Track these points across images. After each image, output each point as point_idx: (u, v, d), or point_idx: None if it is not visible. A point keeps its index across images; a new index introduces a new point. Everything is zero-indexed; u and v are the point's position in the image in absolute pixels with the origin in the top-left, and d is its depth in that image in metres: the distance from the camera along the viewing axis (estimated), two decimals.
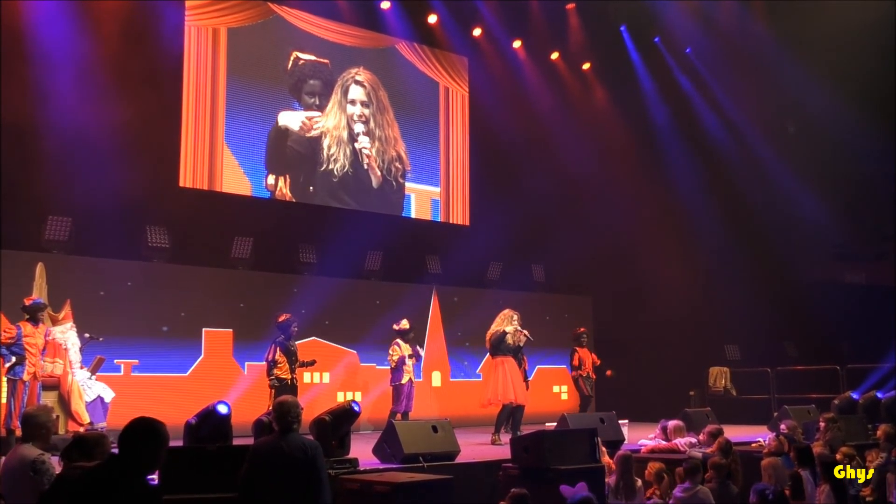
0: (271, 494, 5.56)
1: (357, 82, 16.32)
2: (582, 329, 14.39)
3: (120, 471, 4.20)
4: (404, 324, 12.59)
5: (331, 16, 15.96)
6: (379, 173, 16.29)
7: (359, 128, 16.16)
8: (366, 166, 16.13)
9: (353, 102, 16.24)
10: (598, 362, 14.22)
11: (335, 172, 15.85)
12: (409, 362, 12.37)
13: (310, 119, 15.59)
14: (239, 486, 5.66)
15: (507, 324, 11.78)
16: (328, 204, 15.73)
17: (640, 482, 7.87)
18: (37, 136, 12.13)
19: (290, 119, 15.35)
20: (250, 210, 14.60)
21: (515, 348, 11.76)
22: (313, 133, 15.62)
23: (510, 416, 11.56)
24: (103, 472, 4.28)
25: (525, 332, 11.77)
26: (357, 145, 16.07)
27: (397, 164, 16.66)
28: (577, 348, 14.05)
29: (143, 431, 4.36)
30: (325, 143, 15.76)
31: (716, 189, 17.89)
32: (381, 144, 16.42)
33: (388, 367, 12.60)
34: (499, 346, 11.71)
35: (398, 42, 16.94)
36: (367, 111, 16.35)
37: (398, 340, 12.47)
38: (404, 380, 12.32)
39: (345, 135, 16.02)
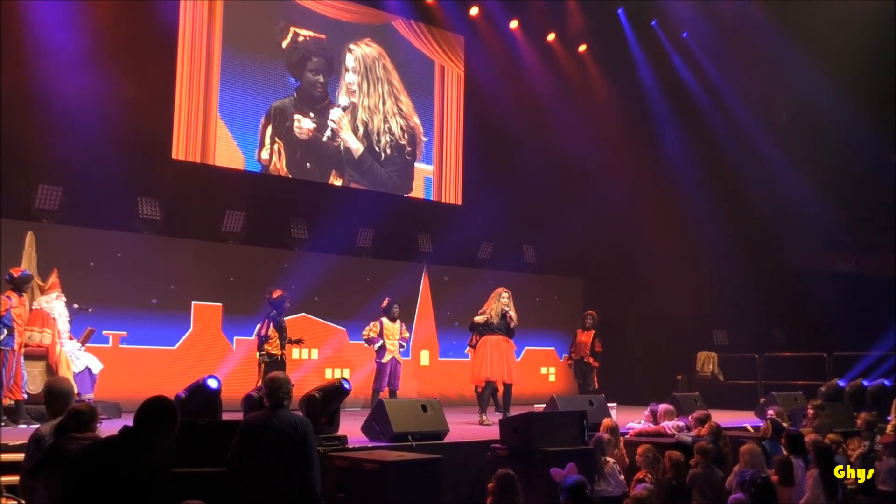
0: (261, 469, 5.56)
1: (350, 50, 16.26)
2: (588, 311, 14.40)
3: (138, 446, 4.28)
4: (385, 303, 12.61)
5: None
6: (358, 143, 16.17)
7: (343, 100, 16.09)
8: (329, 135, 15.89)
9: (346, 70, 16.20)
10: (599, 349, 14.16)
11: (340, 147, 15.91)
12: (387, 343, 12.31)
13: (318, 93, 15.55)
14: (229, 460, 5.66)
15: (494, 303, 11.78)
16: (327, 180, 15.70)
17: (611, 462, 7.91)
18: (29, 105, 12.03)
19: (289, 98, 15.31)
20: (242, 184, 14.53)
21: (505, 326, 11.68)
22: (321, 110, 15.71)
23: (493, 394, 11.57)
24: (122, 446, 4.29)
25: (509, 314, 11.61)
26: (333, 112, 15.94)
27: (387, 137, 16.60)
28: (578, 331, 14.23)
29: (168, 412, 4.48)
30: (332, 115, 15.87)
31: (709, 175, 17.89)
32: (368, 114, 16.36)
33: (373, 345, 12.56)
34: (483, 326, 11.69)
35: (395, 19, 16.83)
36: (356, 79, 16.28)
37: (382, 319, 12.45)
38: (386, 359, 12.31)
39: (345, 103, 16.10)
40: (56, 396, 5.71)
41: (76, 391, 10.09)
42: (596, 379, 14.11)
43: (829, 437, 8.39)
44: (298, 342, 11.68)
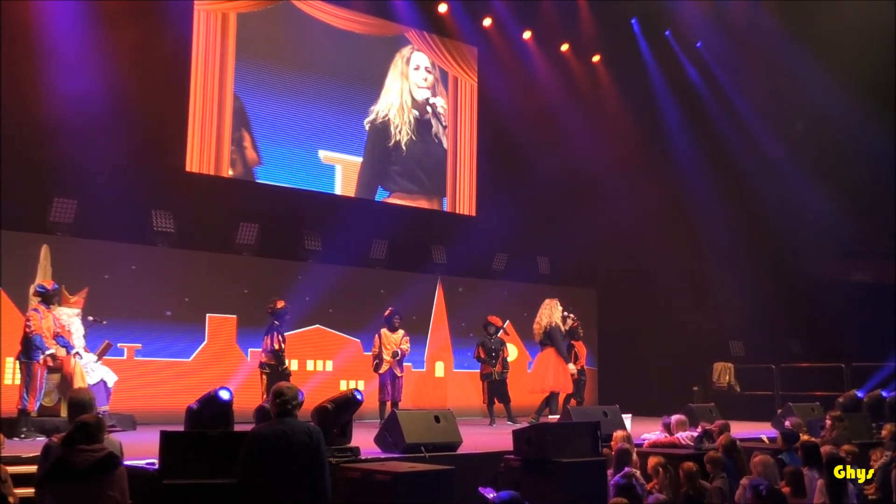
0: (275, 479, 5.53)
1: (419, 50, 16.93)
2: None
3: None
4: (387, 311, 12.68)
5: (340, 2, 15.88)
6: (443, 122, 16.99)
7: (423, 94, 16.90)
8: (439, 132, 16.99)
9: (417, 68, 16.85)
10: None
11: (403, 147, 16.37)
12: (384, 353, 12.36)
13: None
14: (239, 471, 5.61)
15: (555, 313, 12.43)
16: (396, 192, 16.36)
17: (637, 473, 7.87)
18: (43, 118, 12.09)
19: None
20: (256, 196, 14.55)
21: (565, 335, 12.57)
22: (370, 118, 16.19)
23: (548, 403, 12.21)
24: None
25: (572, 316, 12.72)
26: (430, 107, 16.90)
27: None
28: (574, 342, 13.96)
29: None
30: (390, 117, 16.43)
31: (723, 184, 17.82)
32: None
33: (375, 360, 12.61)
34: (557, 337, 12.49)
35: (408, 31, 16.87)
36: (430, 77, 16.94)
37: (382, 330, 12.52)
38: (383, 369, 12.37)
39: (408, 102, 16.67)
40: (73, 407, 5.73)
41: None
42: None
43: (845, 449, 8.30)
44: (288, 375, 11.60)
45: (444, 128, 17.12)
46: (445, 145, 17.13)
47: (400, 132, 16.36)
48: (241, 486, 5.60)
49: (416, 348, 14.93)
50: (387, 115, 16.32)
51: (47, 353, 9.68)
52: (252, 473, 5.57)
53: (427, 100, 16.90)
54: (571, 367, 12.57)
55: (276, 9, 15.26)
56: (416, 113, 16.74)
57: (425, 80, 16.90)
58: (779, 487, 6.54)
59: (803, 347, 17.45)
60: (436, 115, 16.96)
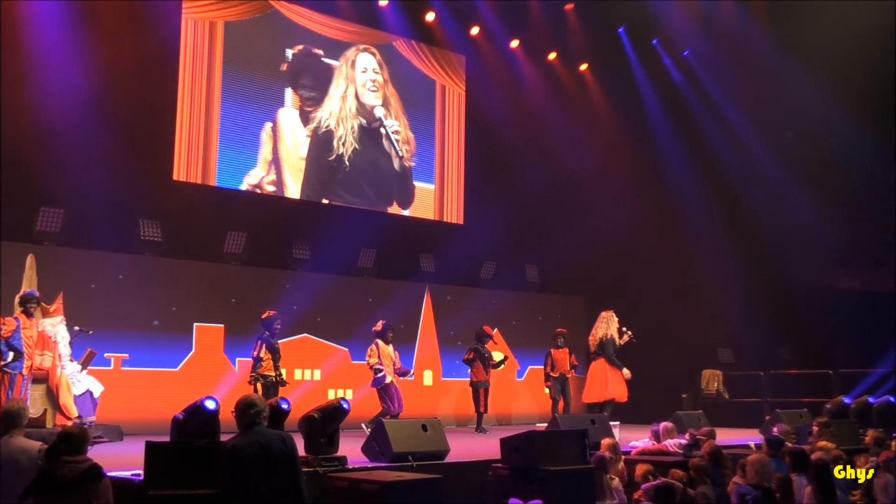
0: (258, 490, 5.50)
1: (365, 50, 16.44)
2: (559, 329, 14.41)
3: None
4: (379, 325, 12.63)
5: (328, 11, 15.89)
6: (398, 149, 16.58)
7: (372, 99, 16.34)
8: (388, 142, 16.50)
9: (364, 71, 16.33)
10: (577, 363, 14.46)
11: (346, 160, 15.86)
12: (384, 365, 12.34)
13: (309, 109, 15.63)
14: (224, 486, 5.53)
15: (612, 326, 13.34)
16: (337, 200, 15.84)
17: (616, 481, 7.88)
18: (30, 127, 12.06)
19: (289, 116, 15.34)
20: (244, 205, 14.53)
21: (619, 348, 13.42)
22: (313, 125, 15.66)
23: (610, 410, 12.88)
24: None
25: (629, 332, 13.53)
26: (377, 114, 16.33)
27: (407, 147, 16.88)
28: (552, 350, 14.21)
29: None
30: (332, 127, 15.82)
31: (712, 192, 17.84)
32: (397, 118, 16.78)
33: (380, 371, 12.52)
34: (609, 349, 13.37)
35: (395, 39, 16.88)
36: (379, 78, 16.47)
37: (377, 341, 12.49)
38: (388, 380, 12.32)
39: (353, 108, 16.11)
40: (4, 418, 5.72)
41: (76, 414, 10.12)
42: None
43: (833, 453, 8.30)
44: (283, 384, 11.50)
45: (400, 157, 16.56)
46: (396, 166, 16.58)
47: (343, 143, 15.83)
48: (226, 499, 5.55)
49: (404, 357, 14.92)
50: (329, 124, 15.74)
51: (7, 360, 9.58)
52: (236, 486, 5.52)
53: (380, 120, 16.30)
54: (626, 371, 13.56)
55: (263, 17, 15.25)
56: (363, 121, 16.16)
57: (374, 81, 16.34)
58: (772, 486, 6.54)
59: (792, 354, 17.46)
60: (389, 137, 16.41)
